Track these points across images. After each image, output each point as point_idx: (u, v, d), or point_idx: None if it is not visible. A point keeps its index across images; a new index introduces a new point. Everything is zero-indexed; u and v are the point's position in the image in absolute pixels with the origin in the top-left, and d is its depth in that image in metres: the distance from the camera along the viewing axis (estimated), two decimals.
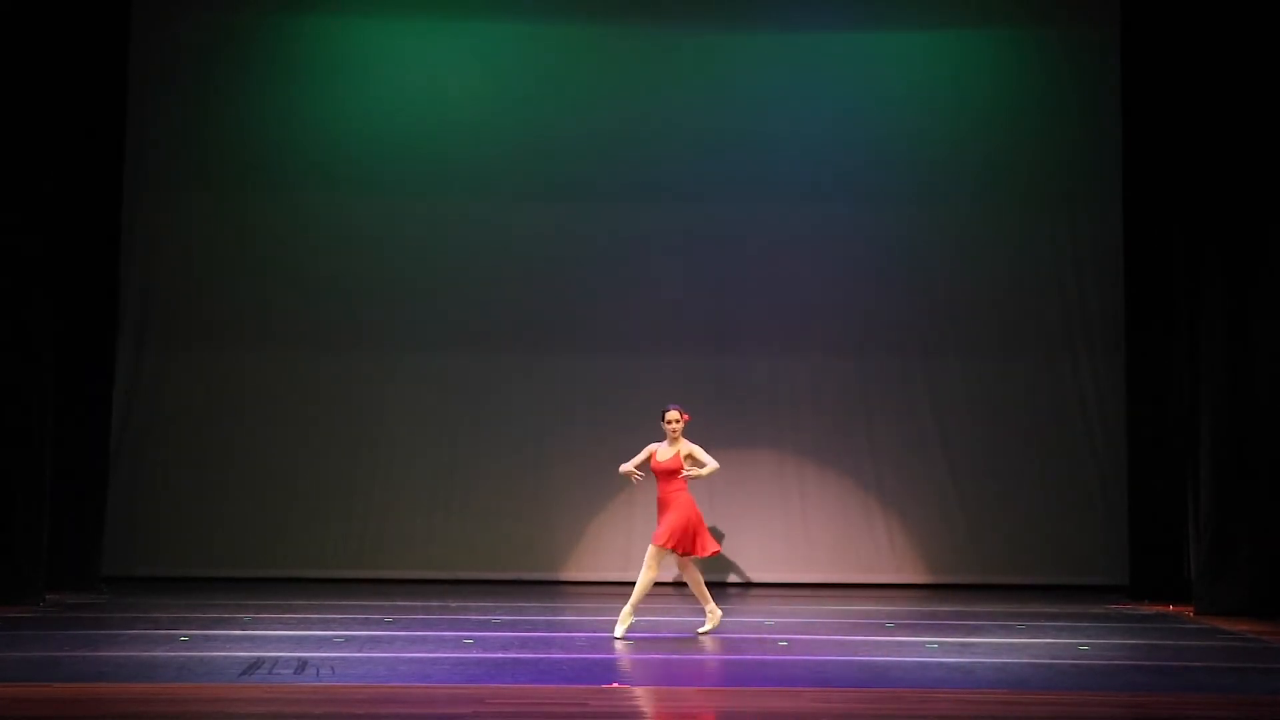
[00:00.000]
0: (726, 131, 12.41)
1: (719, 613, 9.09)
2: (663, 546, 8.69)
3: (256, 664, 7.65)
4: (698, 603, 9.05)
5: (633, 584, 8.85)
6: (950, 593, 11.65)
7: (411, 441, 12.27)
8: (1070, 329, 12.28)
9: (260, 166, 12.35)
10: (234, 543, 12.03)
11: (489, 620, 9.61)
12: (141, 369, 12.10)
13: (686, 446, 8.87)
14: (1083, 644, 8.75)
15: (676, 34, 12.50)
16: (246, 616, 9.55)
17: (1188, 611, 10.52)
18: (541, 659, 8.01)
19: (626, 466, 9.00)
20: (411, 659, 7.93)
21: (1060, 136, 12.35)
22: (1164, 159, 11.35)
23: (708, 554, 8.83)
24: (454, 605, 10.56)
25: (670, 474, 8.83)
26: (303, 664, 7.67)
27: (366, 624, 9.29)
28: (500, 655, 8.11)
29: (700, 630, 9.03)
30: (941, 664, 7.98)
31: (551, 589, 11.82)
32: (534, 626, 9.28)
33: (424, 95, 12.46)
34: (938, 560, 12.17)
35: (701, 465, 8.85)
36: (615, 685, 7.13)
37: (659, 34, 12.50)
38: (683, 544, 8.73)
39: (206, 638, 8.52)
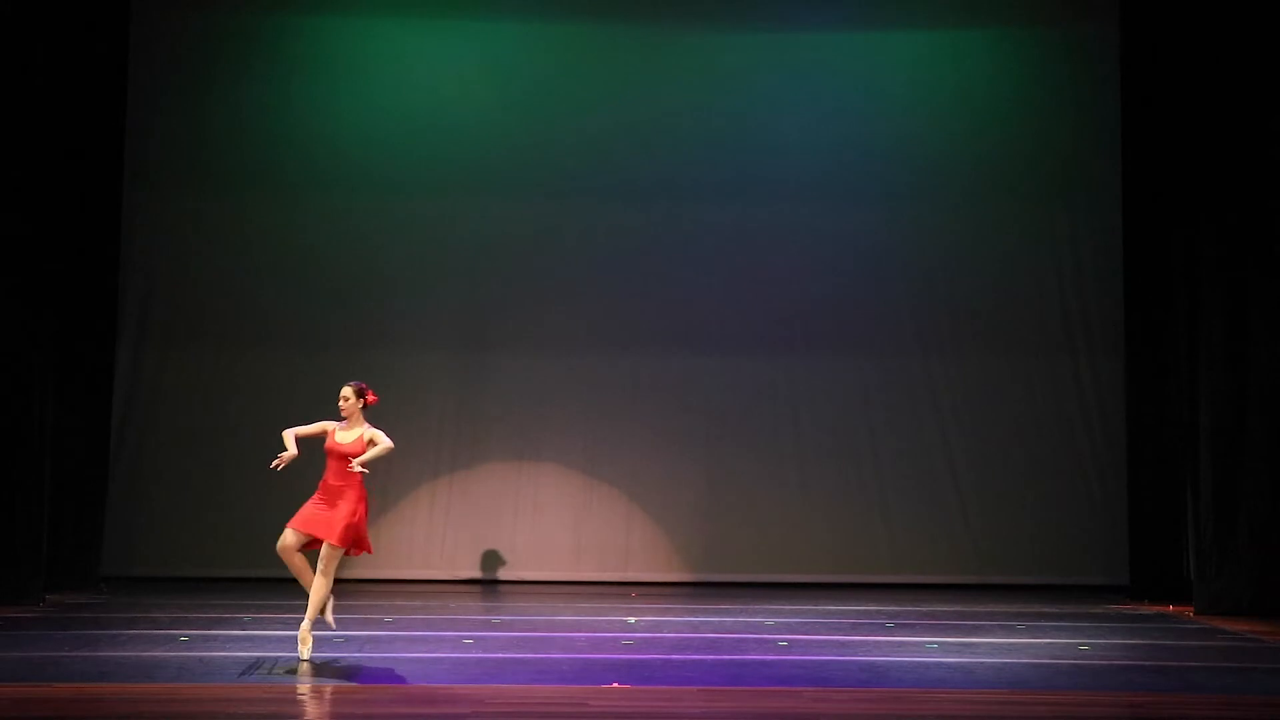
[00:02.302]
0: (725, 131, 12.40)
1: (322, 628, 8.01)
2: (338, 546, 7.75)
3: (256, 664, 7.66)
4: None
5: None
6: (950, 593, 11.64)
7: (410, 441, 12.19)
8: (1070, 329, 12.28)
9: (260, 166, 12.34)
10: (234, 543, 12.01)
11: (489, 620, 9.61)
12: (141, 369, 12.09)
13: (369, 430, 7.90)
14: (1083, 644, 8.76)
15: (676, 34, 12.48)
16: (246, 616, 9.55)
17: (1188, 611, 10.52)
18: (541, 659, 8.01)
19: (289, 436, 7.91)
20: (411, 659, 7.94)
21: (1060, 136, 12.34)
22: (1164, 158, 11.34)
23: (366, 550, 8.00)
24: (454, 605, 10.57)
25: (350, 459, 7.80)
26: (303, 664, 7.67)
27: (366, 624, 9.29)
28: (500, 655, 8.11)
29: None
30: (941, 664, 7.99)
31: (551, 589, 11.82)
32: (534, 626, 9.28)
33: (423, 95, 12.45)
34: (938, 560, 12.16)
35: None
36: (615, 685, 7.14)
37: (658, 33, 12.49)
38: (357, 542, 7.88)
39: (206, 638, 8.52)
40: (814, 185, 12.38)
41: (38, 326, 10.56)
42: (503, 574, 12.13)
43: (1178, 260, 11.03)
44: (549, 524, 12.20)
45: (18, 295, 10.44)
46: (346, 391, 7.93)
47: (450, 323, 12.33)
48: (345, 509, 7.74)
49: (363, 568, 12.04)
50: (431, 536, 12.19)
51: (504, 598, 11.07)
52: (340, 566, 7.95)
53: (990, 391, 12.29)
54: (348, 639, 8.60)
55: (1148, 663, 8.14)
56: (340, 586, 11.53)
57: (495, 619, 9.67)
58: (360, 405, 7.93)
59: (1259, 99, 10.54)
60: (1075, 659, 8.20)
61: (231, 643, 8.28)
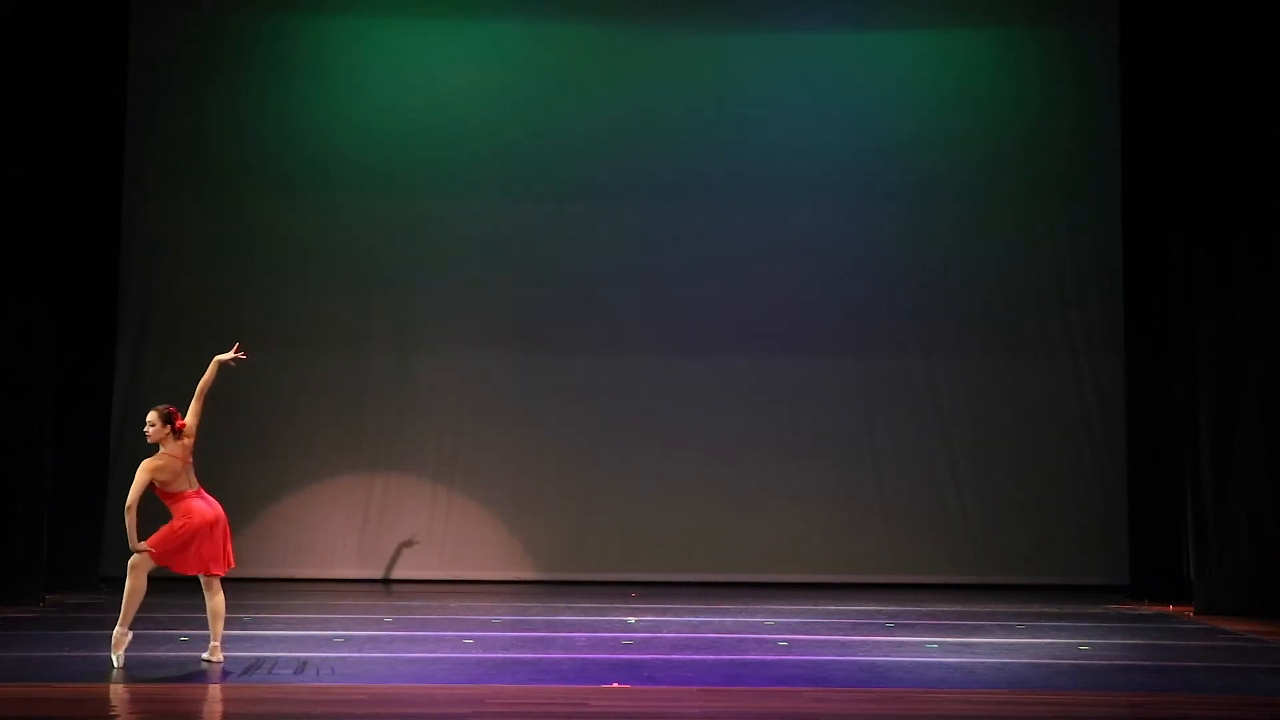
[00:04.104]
0: (725, 130, 12.40)
1: (129, 636, 7.54)
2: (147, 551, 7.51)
3: (256, 664, 7.66)
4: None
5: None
6: (950, 593, 11.63)
7: (412, 441, 12.27)
8: (1070, 329, 12.28)
9: (260, 166, 12.35)
10: (234, 543, 11.97)
11: (489, 620, 9.61)
12: (141, 369, 12.09)
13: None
14: (1083, 644, 8.75)
15: (677, 33, 12.49)
16: (246, 616, 9.54)
17: (1188, 611, 10.51)
18: (541, 659, 8.00)
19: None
20: (411, 659, 7.93)
21: (1060, 138, 12.34)
22: (1163, 160, 11.32)
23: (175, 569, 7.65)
24: (454, 605, 10.56)
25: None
26: (303, 664, 7.68)
27: (366, 624, 9.29)
28: (500, 655, 8.10)
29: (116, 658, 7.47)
30: (941, 664, 7.98)
31: (551, 589, 11.81)
32: (534, 626, 9.27)
33: (424, 95, 12.45)
34: (938, 560, 12.16)
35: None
36: (615, 685, 7.13)
37: (659, 33, 12.49)
38: (167, 556, 7.61)
39: (206, 638, 8.49)
40: (814, 185, 12.37)
41: (37, 327, 10.55)
42: (502, 574, 12.12)
43: (1177, 260, 11.02)
44: (549, 523, 12.20)
45: (17, 296, 10.44)
46: (152, 417, 7.40)
47: (451, 322, 12.32)
48: (170, 524, 7.61)
49: (361, 567, 12.06)
50: (432, 536, 12.18)
51: (504, 598, 11.06)
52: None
53: (990, 391, 12.28)
54: (348, 639, 8.59)
55: (1148, 663, 8.13)
56: (341, 586, 11.62)
57: (495, 619, 9.67)
58: (168, 431, 7.43)
59: (1259, 99, 10.53)
60: (1075, 659, 8.19)
61: (231, 643, 8.27)
